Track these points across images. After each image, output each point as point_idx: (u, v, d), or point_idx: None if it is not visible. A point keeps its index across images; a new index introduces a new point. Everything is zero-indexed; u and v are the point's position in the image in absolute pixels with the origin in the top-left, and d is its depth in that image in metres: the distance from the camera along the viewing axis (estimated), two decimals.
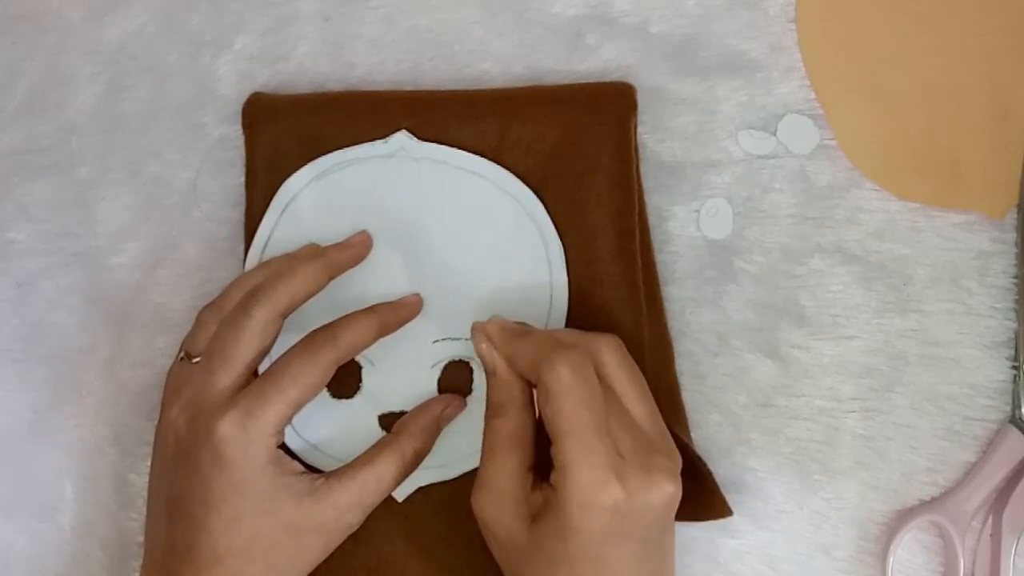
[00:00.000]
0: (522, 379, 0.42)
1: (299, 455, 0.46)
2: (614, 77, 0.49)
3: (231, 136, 0.51)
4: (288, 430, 0.44)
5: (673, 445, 0.41)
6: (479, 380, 0.46)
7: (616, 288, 0.45)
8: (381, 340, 0.45)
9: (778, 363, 0.47)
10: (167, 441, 0.43)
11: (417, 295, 0.47)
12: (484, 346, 0.43)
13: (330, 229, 0.47)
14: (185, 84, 0.52)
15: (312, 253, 0.46)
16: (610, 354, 0.41)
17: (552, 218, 0.46)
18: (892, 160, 0.47)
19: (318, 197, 0.48)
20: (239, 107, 0.50)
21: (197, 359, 0.44)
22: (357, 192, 0.47)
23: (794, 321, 0.47)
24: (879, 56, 0.48)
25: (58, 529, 0.50)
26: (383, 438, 0.45)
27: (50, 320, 0.52)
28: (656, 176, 0.48)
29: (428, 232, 0.47)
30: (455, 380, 0.46)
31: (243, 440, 0.41)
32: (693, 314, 0.47)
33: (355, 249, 0.47)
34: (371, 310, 0.45)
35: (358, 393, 0.47)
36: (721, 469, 0.46)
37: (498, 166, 0.47)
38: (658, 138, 0.49)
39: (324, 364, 0.43)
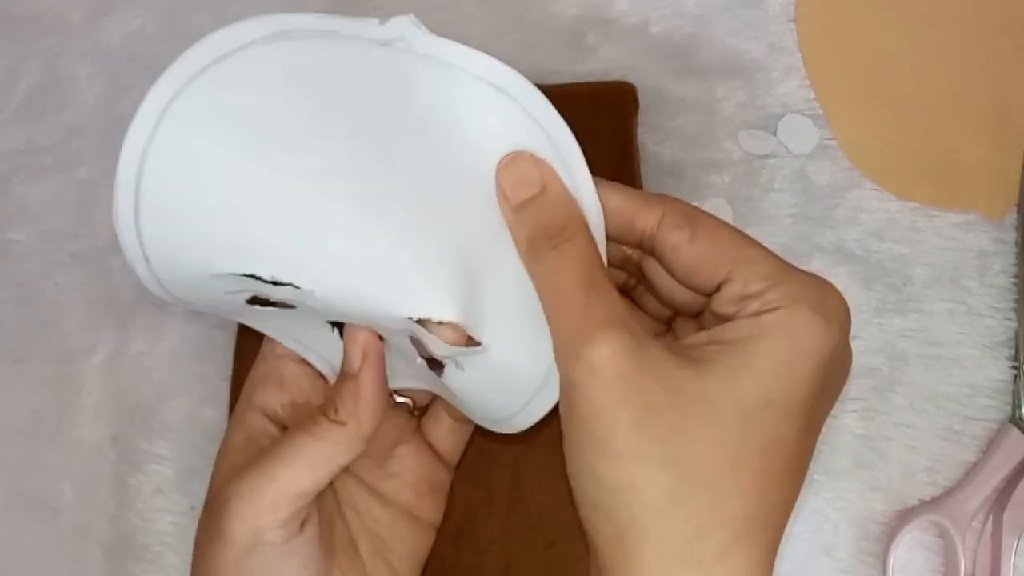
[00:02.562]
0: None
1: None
2: (614, 77, 0.49)
3: None
4: (295, 344, 0.37)
5: None
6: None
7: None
8: (326, 292, 0.32)
9: None
10: None
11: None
12: (527, 158, 0.32)
13: (271, 110, 0.32)
14: None
15: None
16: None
17: None
18: (892, 160, 0.47)
19: (259, 69, 0.32)
20: None
21: None
22: (322, 83, 0.32)
23: None
24: (879, 56, 0.48)
25: (57, 530, 0.50)
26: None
27: (50, 320, 0.52)
28: (656, 176, 0.48)
29: (417, 155, 0.33)
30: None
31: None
32: None
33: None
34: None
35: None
36: None
37: (530, 83, 0.34)
38: (658, 138, 0.49)
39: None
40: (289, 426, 0.36)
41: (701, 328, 0.33)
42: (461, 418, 0.38)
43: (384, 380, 0.35)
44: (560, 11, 0.50)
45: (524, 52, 0.50)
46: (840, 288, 0.47)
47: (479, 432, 0.39)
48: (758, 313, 0.31)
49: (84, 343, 0.51)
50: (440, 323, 0.32)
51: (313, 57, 0.32)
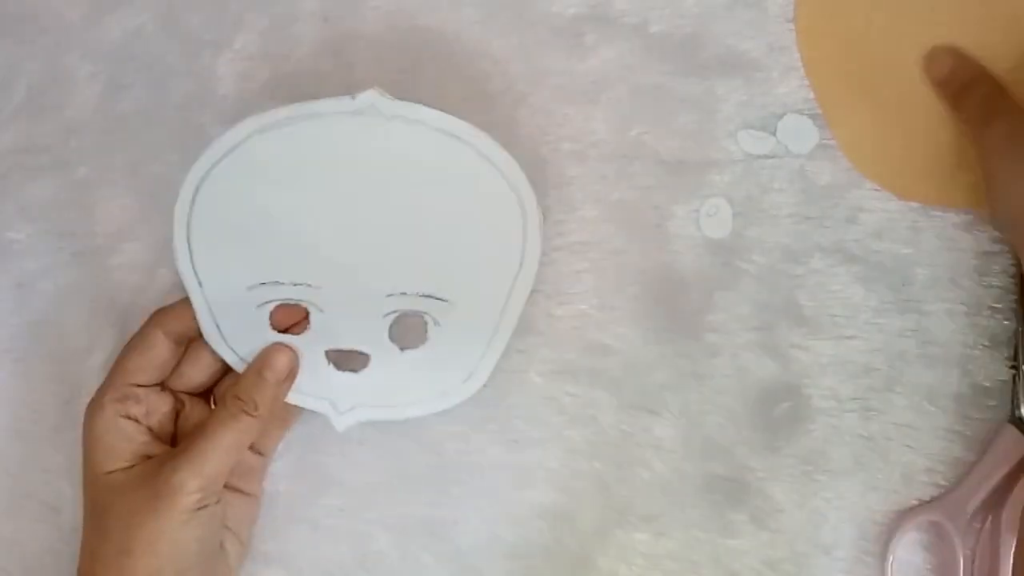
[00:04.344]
0: None
1: None
2: (614, 77, 0.49)
3: None
4: (232, 356, 0.47)
5: None
6: (432, 333, 0.46)
7: None
8: (330, 288, 0.46)
9: (778, 362, 0.47)
10: None
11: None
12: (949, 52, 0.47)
13: (281, 183, 0.46)
14: (185, 84, 0.52)
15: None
16: None
17: None
18: (892, 160, 0.47)
19: (266, 149, 0.45)
20: (239, 107, 0.50)
21: None
22: (314, 148, 0.45)
23: (794, 321, 0.47)
24: (878, 56, 0.48)
25: (57, 529, 0.50)
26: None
27: (50, 320, 0.52)
28: (656, 176, 0.48)
29: (393, 192, 0.46)
30: (407, 332, 0.46)
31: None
32: (693, 314, 0.47)
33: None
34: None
35: (305, 333, 0.47)
36: (721, 469, 0.46)
37: (479, 130, 0.45)
38: (658, 138, 0.49)
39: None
40: (154, 430, 0.46)
41: None
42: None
43: None
44: (560, 11, 0.50)
45: (524, 52, 0.50)
46: (840, 288, 0.47)
47: None
48: None
49: (84, 343, 0.51)
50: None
51: (302, 137, 0.45)
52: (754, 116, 0.48)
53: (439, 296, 0.46)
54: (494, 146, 0.45)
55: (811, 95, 0.48)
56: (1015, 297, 0.46)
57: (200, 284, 0.46)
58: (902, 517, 0.45)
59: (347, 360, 0.47)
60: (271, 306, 0.46)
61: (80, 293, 0.52)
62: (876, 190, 0.47)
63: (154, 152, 0.52)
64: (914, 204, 0.47)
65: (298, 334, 0.47)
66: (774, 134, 0.48)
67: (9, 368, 0.52)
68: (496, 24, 0.50)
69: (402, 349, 0.46)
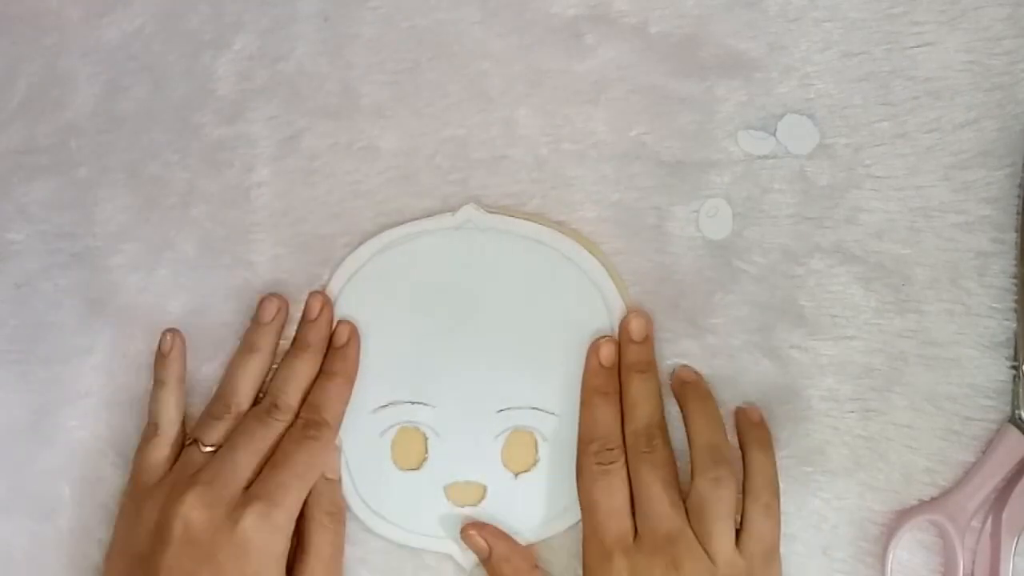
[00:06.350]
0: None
1: (366, 523, 0.48)
2: (614, 77, 0.49)
3: (229, 136, 0.51)
4: (356, 499, 0.48)
5: None
6: (542, 452, 0.47)
7: None
8: (445, 411, 0.47)
9: (777, 363, 0.47)
10: (171, 528, 0.43)
11: (346, 323, 0.48)
12: (472, 531, 0.46)
13: (394, 300, 0.49)
14: (184, 84, 0.52)
15: (309, 344, 0.48)
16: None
17: None
18: None
19: (384, 268, 0.49)
20: (238, 107, 0.50)
21: (211, 448, 0.46)
22: (422, 264, 0.49)
23: (793, 321, 0.47)
24: None
25: (56, 530, 0.50)
26: None
27: (50, 320, 0.52)
28: (656, 176, 0.48)
29: (492, 303, 0.48)
30: (519, 450, 0.47)
31: (267, 530, 0.43)
32: (692, 315, 0.47)
33: (349, 353, 0.48)
34: (331, 374, 0.47)
35: (424, 464, 0.48)
36: None
37: (560, 233, 0.48)
38: (658, 138, 0.49)
39: (330, 445, 0.47)
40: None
41: None
42: None
43: None
44: (560, 11, 0.50)
45: (524, 52, 0.50)
46: (839, 288, 0.47)
47: None
48: None
49: (83, 343, 0.51)
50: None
51: (412, 254, 0.49)
52: (754, 116, 0.48)
53: (546, 409, 0.47)
54: (573, 246, 0.48)
55: (811, 95, 0.48)
56: (1015, 297, 0.46)
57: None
58: (902, 517, 0.45)
59: (464, 494, 0.47)
60: (393, 432, 0.48)
61: (79, 293, 0.52)
62: (875, 190, 0.47)
63: (154, 152, 0.52)
64: (914, 204, 0.47)
65: (417, 468, 0.47)
66: (774, 134, 0.48)
67: (9, 368, 0.52)
68: (496, 24, 0.50)
69: (515, 475, 0.47)
